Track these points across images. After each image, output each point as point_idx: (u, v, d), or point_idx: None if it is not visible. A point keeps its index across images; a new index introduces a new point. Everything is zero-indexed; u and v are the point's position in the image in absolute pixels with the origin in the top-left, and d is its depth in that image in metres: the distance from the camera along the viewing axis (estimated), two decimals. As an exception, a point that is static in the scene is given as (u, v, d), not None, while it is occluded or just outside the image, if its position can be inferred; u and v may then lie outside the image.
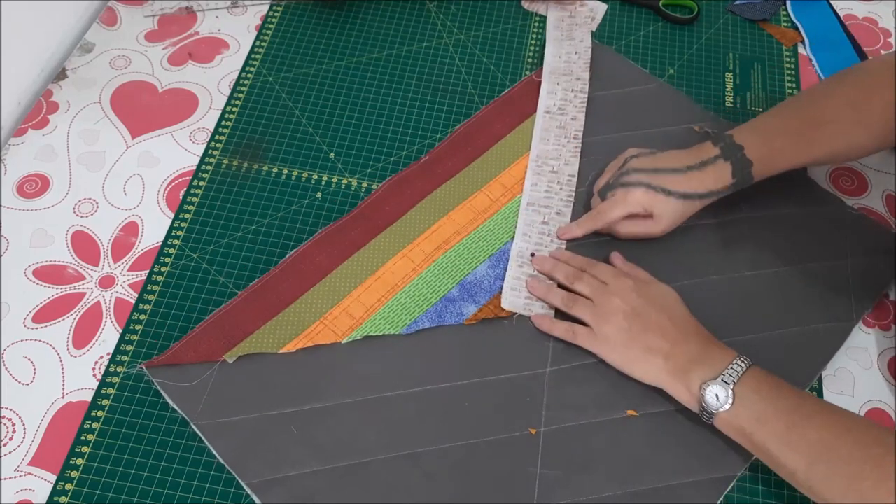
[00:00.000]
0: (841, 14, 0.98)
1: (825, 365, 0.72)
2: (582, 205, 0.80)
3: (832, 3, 0.99)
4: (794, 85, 0.92)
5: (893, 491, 0.56)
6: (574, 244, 0.78)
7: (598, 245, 0.77)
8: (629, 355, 0.68)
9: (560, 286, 0.74)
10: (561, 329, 0.72)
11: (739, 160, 0.73)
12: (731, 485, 0.66)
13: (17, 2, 0.85)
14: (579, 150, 0.83)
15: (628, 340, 0.68)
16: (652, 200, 0.74)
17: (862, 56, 0.94)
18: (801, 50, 0.95)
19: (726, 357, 0.65)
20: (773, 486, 0.66)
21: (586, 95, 0.87)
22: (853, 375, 0.72)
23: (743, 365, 0.64)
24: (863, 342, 0.74)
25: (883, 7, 1.00)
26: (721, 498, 0.65)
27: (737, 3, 0.98)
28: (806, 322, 0.74)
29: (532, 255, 0.76)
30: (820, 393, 0.71)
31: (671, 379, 0.66)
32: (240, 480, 0.65)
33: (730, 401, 0.63)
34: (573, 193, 0.80)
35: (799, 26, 0.97)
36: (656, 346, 0.67)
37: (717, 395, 0.63)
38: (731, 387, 0.63)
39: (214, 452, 0.66)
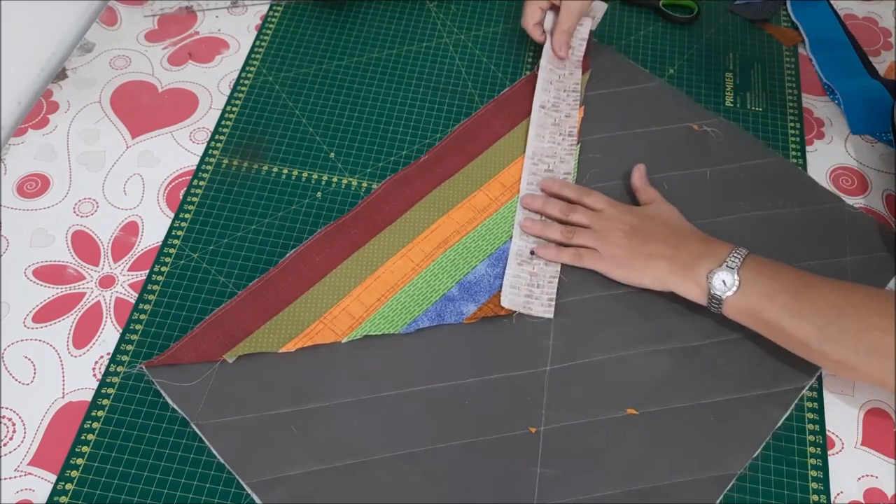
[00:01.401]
0: (841, 14, 0.98)
1: (825, 365, 0.72)
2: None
3: (832, 3, 0.99)
4: (794, 85, 0.92)
5: None
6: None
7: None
8: (634, 265, 0.72)
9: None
10: (567, 254, 0.75)
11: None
12: (731, 484, 0.66)
13: (17, 2, 0.85)
14: (574, 147, 0.83)
15: (631, 253, 0.72)
16: None
17: (862, 56, 0.94)
18: (801, 50, 0.95)
19: (726, 248, 0.69)
20: (773, 486, 0.66)
21: (579, 94, 0.87)
22: (853, 375, 0.72)
23: (743, 252, 0.68)
24: (863, 341, 0.74)
25: (883, 7, 1.00)
26: (721, 497, 0.65)
27: (737, 3, 0.98)
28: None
29: (532, 252, 0.76)
30: (820, 393, 0.71)
31: (677, 278, 0.70)
32: (240, 480, 0.65)
33: (736, 283, 0.67)
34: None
35: (799, 26, 0.97)
36: (658, 251, 0.71)
37: (723, 281, 0.67)
38: (736, 271, 0.67)
39: (214, 452, 0.66)
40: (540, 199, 0.79)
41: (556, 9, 0.88)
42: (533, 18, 0.88)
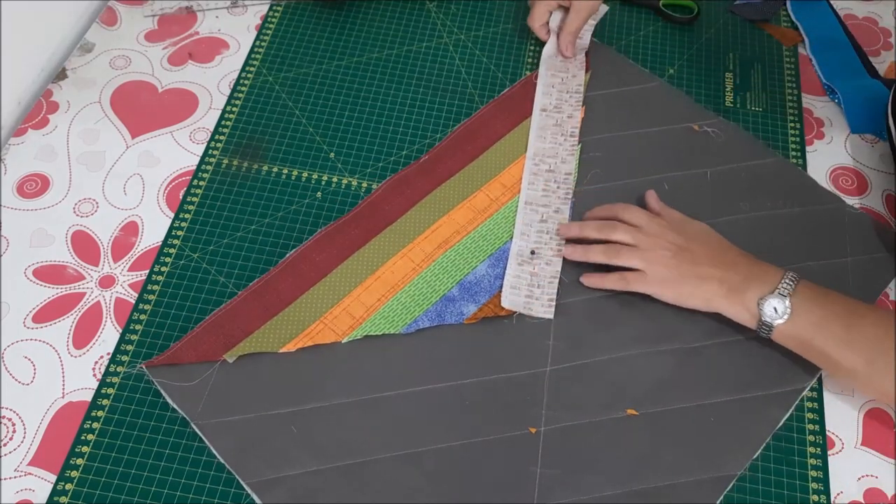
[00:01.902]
0: (841, 14, 0.98)
1: (825, 366, 0.72)
2: (582, 203, 0.80)
3: (832, 3, 0.99)
4: (794, 85, 0.92)
5: None
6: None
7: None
8: (684, 289, 0.70)
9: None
10: (612, 280, 0.73)
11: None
12: (732, 484, 0.66)
13: (17, 2, 0.85)
14: (576, 147, 0.83)
15: (680, 276, 0.70)
16: None
17: (862, 56, 0.94)
18: (801, 50, 0.95)
19: (777, 273, 0.68)
20: (773, 486, 0.66)
21: (581, 95, 0.87)
22: (853, 375, 0.72)
23: (795, 278, 0.68)
24: (863, 342, 0.74)
25: (883, 7, 1.00)
26: (721, 497, 0.65)
27: (737, 3, 0.98)
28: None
29: (532, 252, 0.76)
30: (820, 393, 0.71)
31: (727, 301, 0.69)
32: (240, 480, 0.65)
33: (788, 311, 0.66)
34: (570, 192, 0.80)
35: (799, 26, 0.97)
36: (708, 273, 0.70)
37: (775, 308, 0.66)
38: (788, 299, 0.66)
39: (214, 452, 0.66)
40: (575, 226, 0.76)
41: (563, 9, 0.90)
42: (541, 19, 0.89)
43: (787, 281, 0.67)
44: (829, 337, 0.65)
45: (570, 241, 0.77)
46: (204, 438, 0.66)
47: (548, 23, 0.90)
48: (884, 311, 0.66)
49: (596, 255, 0.74)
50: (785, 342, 0.68)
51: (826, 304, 0.66)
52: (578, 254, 0.75)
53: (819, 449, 0.68)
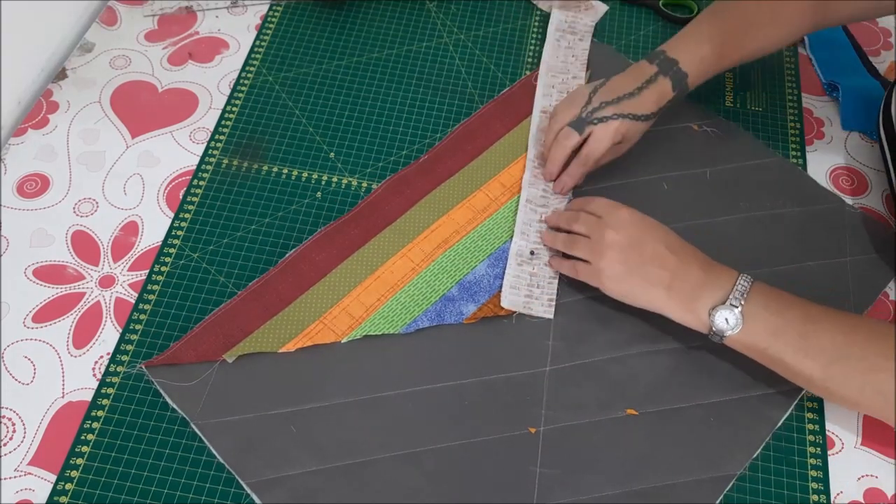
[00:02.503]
0: (841, 14, 0.98)
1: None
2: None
3: (832, 2, 0.99)
4: (794, 85, 0.92)
5: None
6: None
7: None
8: (630, 287, 0.69)
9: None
10: (566, 266, 0.73)
11: (676, 73, 0.77)
12: (731, 484, 0.66)
13: (17, 2, 0.85)
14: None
15: (627, 273, 0.69)
16: (626, 128, 0.77)
17: (862, 56, 0.94)
18: (801, 50, 0.95)
19: (730, 277, 0.67)
20: (773, 486, 0.66)
21: None
22: (853, 375, 0.72)
23: (747, 283, 0.66)
24: (863, 342, 0.74)
25: (883, 7, 1.00)
26: (721, 497, 0.65)
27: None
28: (806, 321, 0.74)
29: (532, 252, 0.76)
30: (820, 392, 0.71)
31: (677, 308, 0.67)
32: (240, 480, 0.65)
33: (740, 323, 0.65)
34: (570, 192, 0.80)
35: (799, 26, 0.97)
36: (656, 276, 0.68)
37: (726, 320, 0.65)
38: (740, 308, 0.65)
39: (214, 452, 0.66)
40: (554, 214, 0.78)
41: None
42: (597, 155, 0.78)
43: (738, 287, 0.65)
44: (784, 345, 0.64)
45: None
46: (203, 438, 0.66)
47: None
48: (841, 316, 0.65)
49: (558, 242, 0.75)
50: (738, 348, 0.67)
51: (780, 311, 0.65)
52: (548, 238, 0.76)
53: (819, 449, 0.68)
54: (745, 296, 0.65)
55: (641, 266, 0.68)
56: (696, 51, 0.77)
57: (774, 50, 0.81)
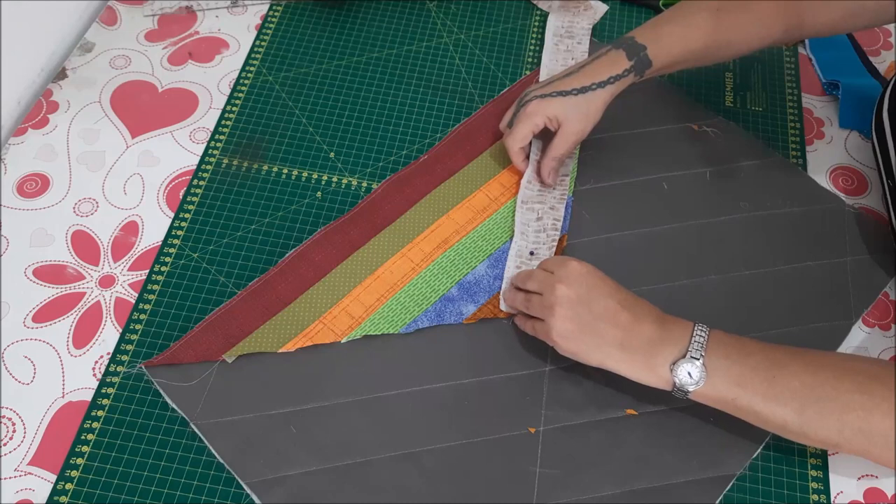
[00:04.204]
0: (841, 14, 0.98)
1: (825, 364, 0.72)
2: (581, 203, 0.80)
3: (832, 2, 0.99)
4: (794, 85, 0.92)
5: (885, 414, 0.58)
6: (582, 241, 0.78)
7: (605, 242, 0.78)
8: (582, 346, 0.65)
9: None
10: (527, 326, 0.70)
11: (631, 45, 0.75)
12: (731, 484, 0.66)
13: (18, 2, 0.85)
14: (574, 152, 0.83)
15: (578, 330, 0.65)
16: (549, 105, 0.76)
17: (862, 56, 0.94)
18: (801, 50, 0.95)
19: (685, 330, 0.64)
20: (773, 486, 0.66)
21: None
22: (853, 375, 0.72)
23: (704, 334, 0.63)
24: (863, 342, 0.74)
25: (883, 7, 1.00)
26: (721, 497, 0.65)
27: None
28: (805, 321, 0.74)
29: (531, 253, 0.76)
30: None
31: (633, 367, 0.64)
32: (239, 480, 0.65)
33: (703, 376, 0.62)
34: (566, 191, 0.80)
35: (799, 26, 0.97)
36: (609, 335, 0.64)
37: (689, 374, 0.62)
38: (701, 360, 0.62)
39: (214, 452, 0.66)
40: (521, 273, 0.72)
41: (544, 134, 0.79)
42: (522, 140, 0.78)
43: (697, 339, 0.63)
44: (752, 394, 0.61)
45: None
46: (203, 438, 0.66)
47: (527, 147, 0.80)
48: (806, 356, 0.63)
49: (517, 302, 0.71)
50: (705, 402, 0.64)
51: (743, 360, 0.62)
52: (509, 299, 0.73)
53: (819, 449, 0.68)
54: (704, 347, 0.63)
55: (592, 323, 0.65)
56: (656, 28, 0.76)
57: (751, 48, 0.78)
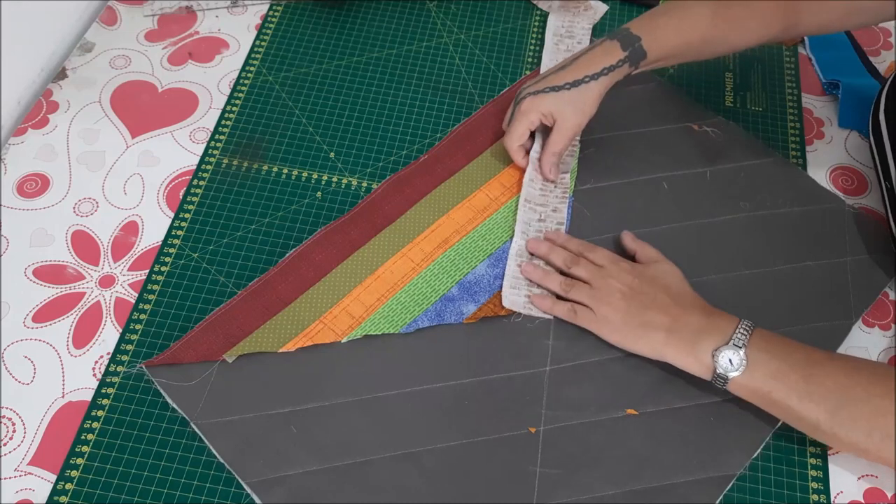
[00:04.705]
0: (841, 14, 0.98)
1: (825, 364, 0.72)
2: (582, 202, 0.80)
3: (832, 2, 0.99)
4: (794, 85, 0.92)
5: None
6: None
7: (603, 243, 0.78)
8: (629, 334, 0.69)
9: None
10: (563, 309, 0.72)
11: (626, 36, 0.75)
12: (731, 484, 0.66)
13: (18, 2, 0.85)
14: (575, 147, 0.83)
15: (627, 319, 0.69)
16: (542, 102, 0.76)
17: (862, 56, 0.94)
18: (801, 50, 0.95)
19: (731, 322, 0.66)
20: (773, 486, 0.66)
21: None
22: (853, 375, 0.72)
23: (749, 328, 0.65)
24: (863, 342, 0.74)
25: (883, 7, 1.00)
26: (721, 497, 0.65)
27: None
28: (805, 321, 0.74)
29: (531, 254, 0.76)
30: (820, 392, 0.71)
31: (677, 352, 0.67)
32: (239, 480, 0.65)
33: (744, 363, 0.64)
34: (567, 190, 0.80)
35: (799, 26, 0.97)
36: (656, 321, 0.68)
37: (730, 360, 0.64)
38: (744, 350, 0.64)
39: (214, 452, 0.66)
40: (545, 245, 0.76)
41: (545, 129, 0.80)
42: (520, 139, 0.79)
43: (741, 331, 0.65)
44: (788, 389, 0.63)
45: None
46: (203, 438, 0.66)
47: (526, 144, 0.81)
48: (843, 359, 0.64)
49: (553, 283, 0.73)
50: (742, 394, 0.65)
51: (783, 355, 0.64)
52: (537, 275, 0.74)
53: (819, 449, 0.68)
54: (747, 338, 0.65)
55: (642, 313, 0.69)
56: (652, 20, 0.76)
57: (750, 43, 0.78)
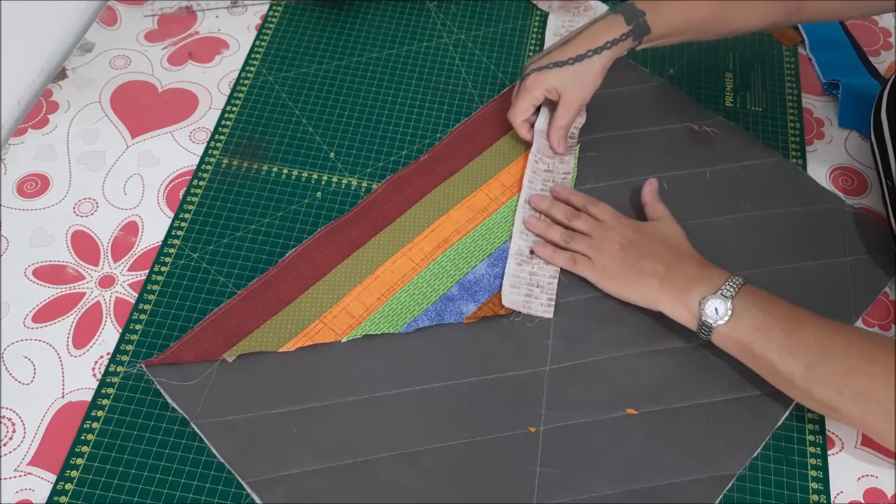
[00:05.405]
0: (841, 14, 0.98)
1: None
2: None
3: (832, 2, 0.99)
4: (794, 85, 0.92)
5: (886, 383, 0.60)
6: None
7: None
8: (625, 281, 0.71)
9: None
10: (563, 258, 0.74)
11: (630, 10, 0.76)
12: (731, 483, 0.66)
13: (18, 1, 0.85)
14: (575, 147, 0.83)
15: (624, 268, 0.71)
16: (546, 77, 0.77)
17: (862, 56, 0.94)
18: (801, 50, 0.95)
19: (722, 275, 0.68)
20: (773, 486, 0.66)
21: None
22: (853, 375, 0.72)
23: (739, 281, 0.67)
24: (863, 341, 0.74)
25: (883, 7, 1.00)
26: (720, 497, 0.65)
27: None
28: (806, 321, 0.74)
29: (531, 252, 0.76)
30: (820, 392, 0.71)
31: (668, 299, 0.69)
32: (239, 479, 0.65)
33: (729, 313, 0.65)
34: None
35: (799, 26, 0.97)
36: (651, 269, 0.70)
37: (716, 309, 0.66)
38: (731, 300, 0.66)
39: (214, 451, 0.66)
40: (547, 200, 0.78)
41: (550, 104, 0.82)
42: (524, 113, 0.81)
43: (731, 283, 0.67)
44: (769, 341, 0.64)
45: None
46: (203, 438, 0.66)
47: (531, 119, 0.82)
48: (827, 319, 0.65)
49: (554, 234, 0.76)
50: (725, 345, 0.67)
51: (768, 309, 0.65)
52: (540, 227, 0.77)
53: (819, 449, 0.68)
54: (736, 290, 0.66)
55: (638, 261, 0.71)
56: (666, 10, 0.77)
57: (752, 28, 0.79)
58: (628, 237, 0.73)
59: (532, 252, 0.76)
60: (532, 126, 0.83)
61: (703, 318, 0.66)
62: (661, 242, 0.72)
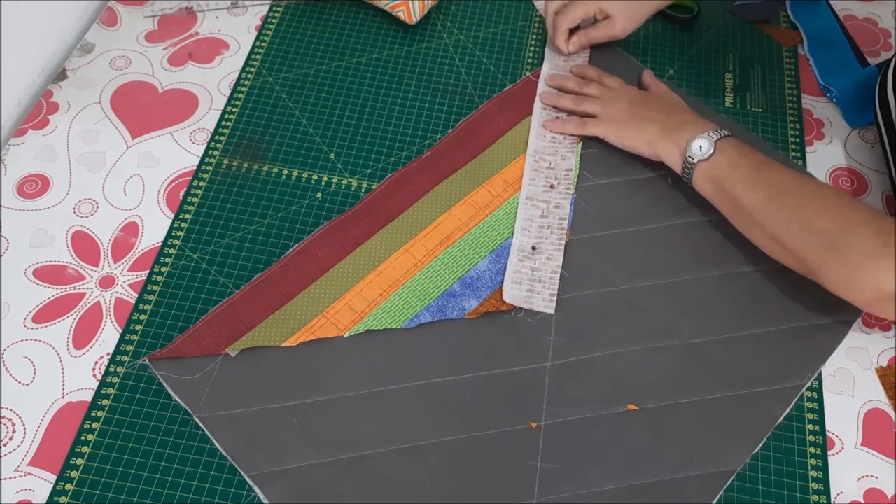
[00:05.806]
0: (840, 15, 0.98)
1: (824, 362, 0.72)
2: (584, 199, 0.80)
3: (832, 3, 0.99)
4: (793, 85, 0.92)
5: (831, 218, 0.65)
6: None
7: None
8: (630, 126, 0.80)
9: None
10: (573, 123, 0.83)
11: None
12: (731, 479, 0.66)
13: (18, 2, 0.85)
14: (576, 144, 0.83)
15: (629, 117, 0.80)
16: None
17: (861, 57, 0.94)
18: (800, 50, 0.96)
19: (714, 124, 0.76)
20: (773, 486, 0.66)
21: None
22: (853, 375, 0.72)
23: (727, 133, 0.74)
24: (863, 342, 0.74)
25: (882, 8, 1.00)
26: (721, 492, 0.65)
27: (737, 3, 0.98)
28: (805, 319, 0.74)
29: (533, 248, 0.76)
30: (820, 393, 0.71)
31: (665, 141, 0.76)
32: (242, 473, 0.65)
33: (711, 150, 0.73)
34: (571, 187, 0.81)
35: (798, 27, 0.97)
36: (654, 117, 0.79)
37: (700, 146, 0.74)
38: (715, 140, 0.74)
39: (217, 445, 0.66)
40: (559, 76, 0.87)
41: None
42: (572, 23, 0.88)
43: (719, 130, 0.74)
44: (739, 176, 0.71)
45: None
46: (206, 431, 0.66)
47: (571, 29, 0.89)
48: (795, 168, 0.73)
49: (565, 100, 0.85)
50: (702, 186, 0.74)
51: (746, 153, 0.72)
52: (552, 98, 0.86)
53: (819, 449, 0.68)
54: (720, 135, 0.74)
55: (642, 111, 0.80)
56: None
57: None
58: (635, 96, 0.82)
59: (534, 248, 0.76)
60: (569, 37, 0.89)
61: (688, 155, 0.74)
62: (664, 101, 0.82)
